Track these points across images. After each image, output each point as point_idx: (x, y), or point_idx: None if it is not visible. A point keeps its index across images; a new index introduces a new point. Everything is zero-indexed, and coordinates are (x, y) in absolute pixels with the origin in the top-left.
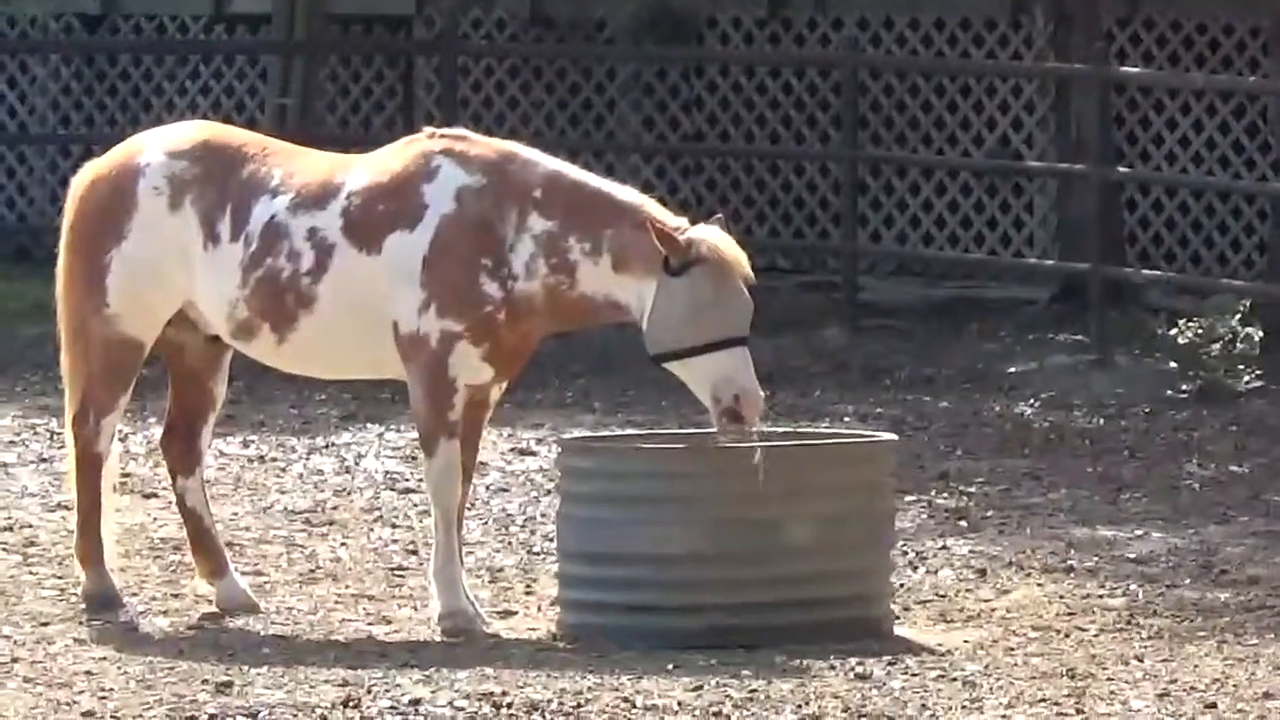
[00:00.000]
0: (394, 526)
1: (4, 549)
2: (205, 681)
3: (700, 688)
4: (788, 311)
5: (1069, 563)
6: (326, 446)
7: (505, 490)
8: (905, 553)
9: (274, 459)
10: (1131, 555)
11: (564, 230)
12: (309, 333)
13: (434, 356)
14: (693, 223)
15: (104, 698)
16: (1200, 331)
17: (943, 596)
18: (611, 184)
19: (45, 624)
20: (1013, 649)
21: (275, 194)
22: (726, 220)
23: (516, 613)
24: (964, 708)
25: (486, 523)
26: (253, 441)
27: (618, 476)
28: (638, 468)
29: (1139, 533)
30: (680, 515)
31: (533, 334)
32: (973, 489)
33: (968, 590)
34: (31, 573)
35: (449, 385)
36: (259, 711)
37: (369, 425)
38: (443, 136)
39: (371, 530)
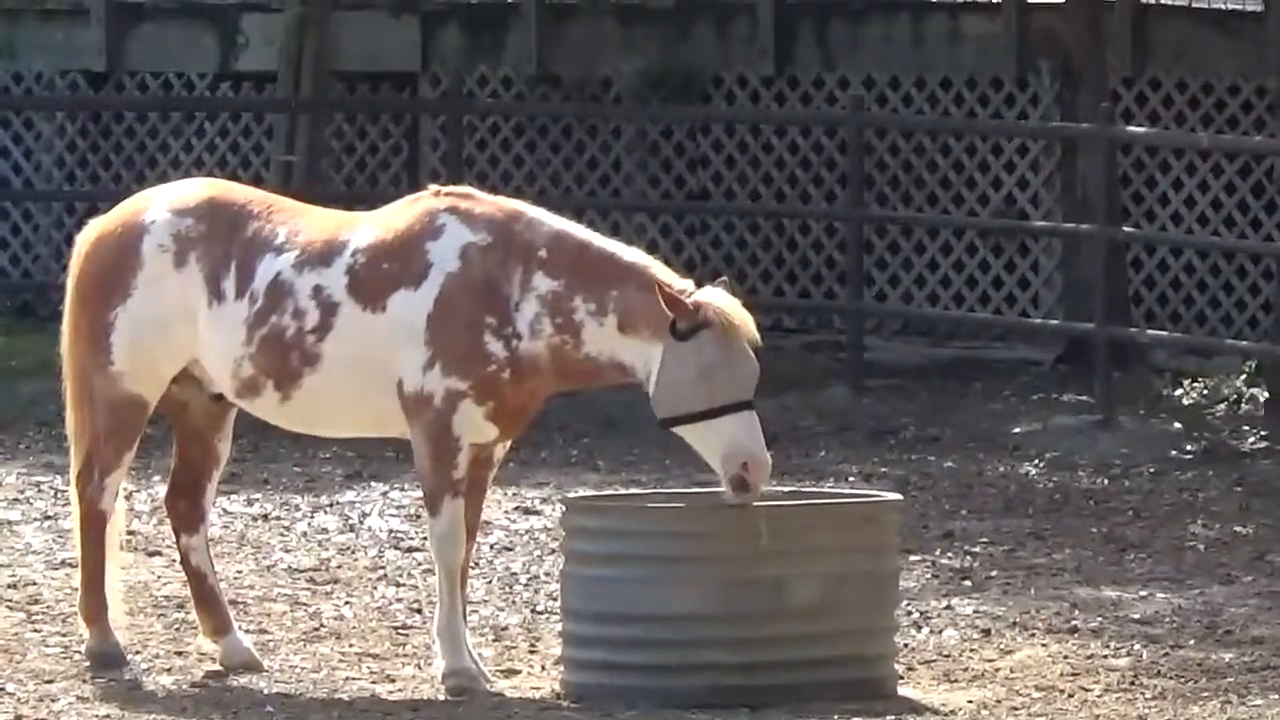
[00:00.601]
0: (398, 585)
1: (8, 606)
2: None
3: None
4: (793, 371)
5: (1073, 623)
6: (331, 505)
7: (509, 549)
8: (910, 612)
9: (278, 517)
10: (1136, 616)
11: (569, 290)
12: (313, 391)
13: (438, 415)
14: (698, 283)
15: None
16: (1205, 392)
17: (947, 656)
18: (617, 244)
19: (49, 682)
20: (1017, 709)
21: (280, 251)
22: (731, 282)
23: (520, 671)
24: None
25: (491, 581)
26: (257, 499)
27: (622, 536)
28: (643, 527)
29: (1143, 593)
30: (685, 575)
31: (537, 393)
32: (977, 549)
33: (972, 650)
34: (35, 630)
35: (453, 444)
36: None
37: (373, 483)
38: (448, 194)
39: (375, 589)
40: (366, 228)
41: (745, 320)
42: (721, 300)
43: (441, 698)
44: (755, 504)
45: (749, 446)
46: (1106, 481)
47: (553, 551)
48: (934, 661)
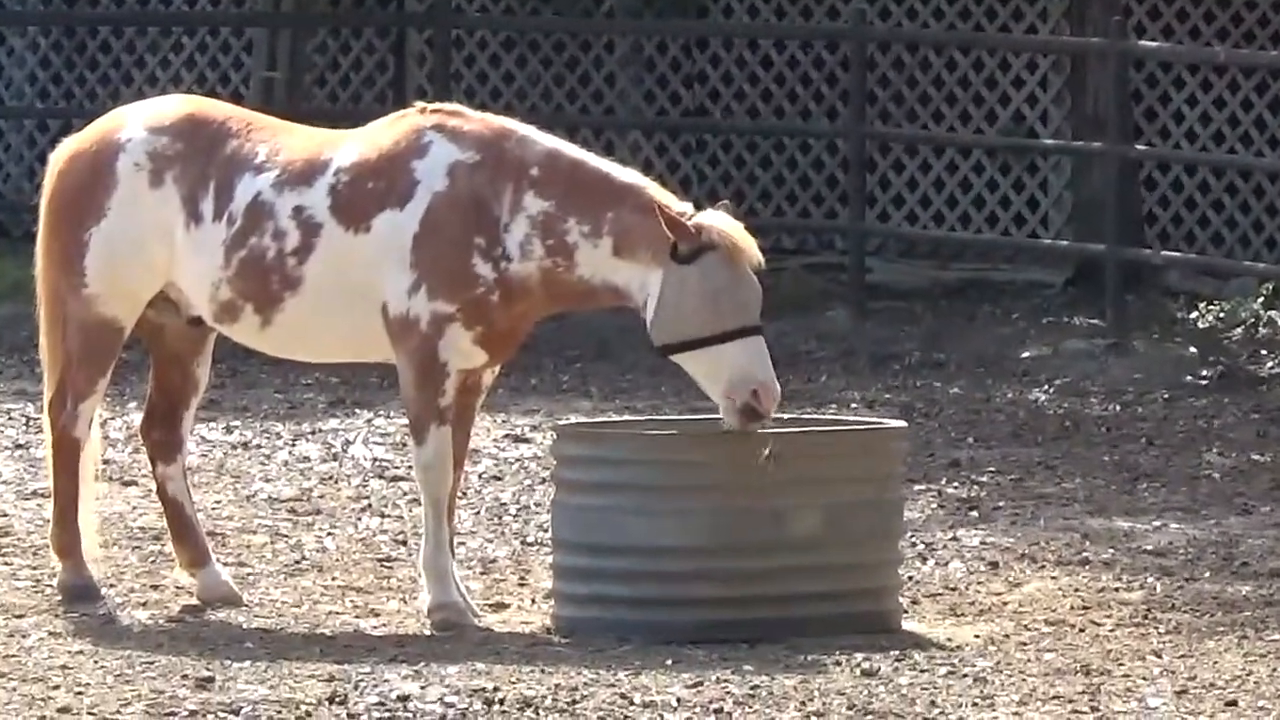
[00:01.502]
0: (382, 516)
1: None
2: (185, 676)
3: (700, 684)
4: (792, 294)
5: (1084, 555)
6: (313, 433)
7: (498, 479)
8: (914, 544)
9: (258, 445)
10: (1149, 547)
11: (562, 211)
12: (294, 315)
13: (424, 340)
14: (696, 205)
15: (80, 693)
16: (1221, 315)
17: (953, 590)
18: (612, 164)
19: (20, 616)
20: (1025, 644)
21: (260, 171)
22: (732, 205)
23: (509, 605)
24: (974, 705)
25: (479, 512)
26: (236, 427)
27: (615, 464)
28: (636, 455)
29: (1157, 524)
30: (680, 505)
31: (527, 317)
32: (984, 478)
33: (979, 583)
34: (6, 563)
35: (440, 369)
36: (241, 708)
37: (357, 411)
38: (435, 112)
39: (359, 520)
40: (350, 146)
41: (749, 243)
42: (724, 222)
43: (427, 633)
44: (756, 430)
45: (759, 373)
46: (1118, 408)
47: (543, 481)
48: (940, 595)
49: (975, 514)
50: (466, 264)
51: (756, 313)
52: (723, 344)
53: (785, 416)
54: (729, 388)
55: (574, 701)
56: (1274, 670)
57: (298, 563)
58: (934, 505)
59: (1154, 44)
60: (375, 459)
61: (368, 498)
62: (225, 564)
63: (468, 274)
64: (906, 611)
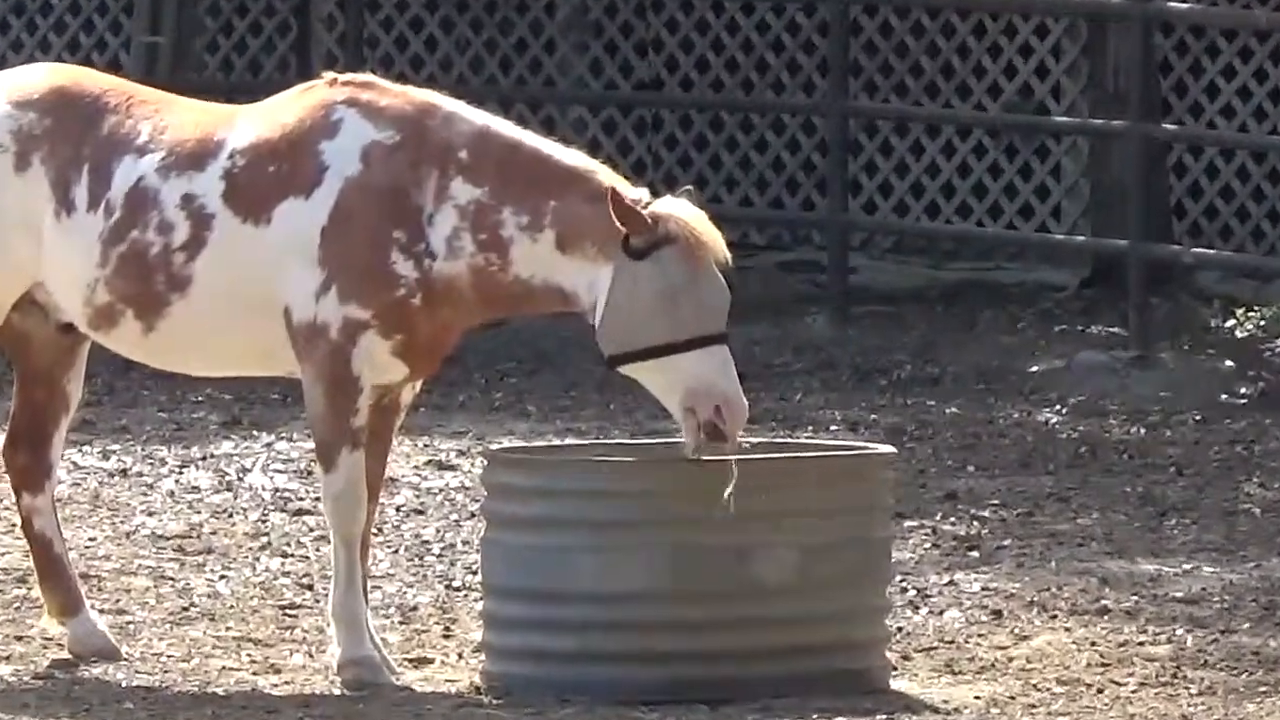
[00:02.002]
0: (285, 556)
1: None
2: None
3: None
4: (763, 297)
5: (1102, 602)
6: (204, 458)
7: (420, 512)
8: (905, 589)
9: (140, 473)
10: (1178, 594)
11: (496, 199)
12: (183, 320)
13: (334, 350)
14: (652, 191)
15: None
16: (1262, 323)
17: (949, 643)
18: (554, 144)
19: None
20: (1034, 707)
21: (143, 153)
22: (695, 193)
23: (433, 660)
24: None
25: (397, 551)
26: (114, 452)
27: (557, 496)
28: (580, 485)
29: (1187, 567)
30: (632, 543)
31: (454, 324)
32: (986, 513)
33: (980, 635)
34: None
35: (352, 385)
36: None
37: (255, 433)
38: (346, 84)
39: (257, 560)
40: (247, 124)
41: (714, 236)
42: (685, 212)
43: (337, 692)
44: (718, 457)
45: (723, 387)
46: (1143, 431)
47: (472, 515)
48: (934, 649)
49: (975, 554)
50: (384, 261)
51: (721, 318)
52: (681, 354)
53: (754, 440)
54: (686, 403)
55: None
56: None
57: (186, 610)
58: (928, 544)
59: (1184, 5)
60: (276, 489)
61: (267, 534)
62: (101, 611)
63: (385, 273)
64: (895, 668)
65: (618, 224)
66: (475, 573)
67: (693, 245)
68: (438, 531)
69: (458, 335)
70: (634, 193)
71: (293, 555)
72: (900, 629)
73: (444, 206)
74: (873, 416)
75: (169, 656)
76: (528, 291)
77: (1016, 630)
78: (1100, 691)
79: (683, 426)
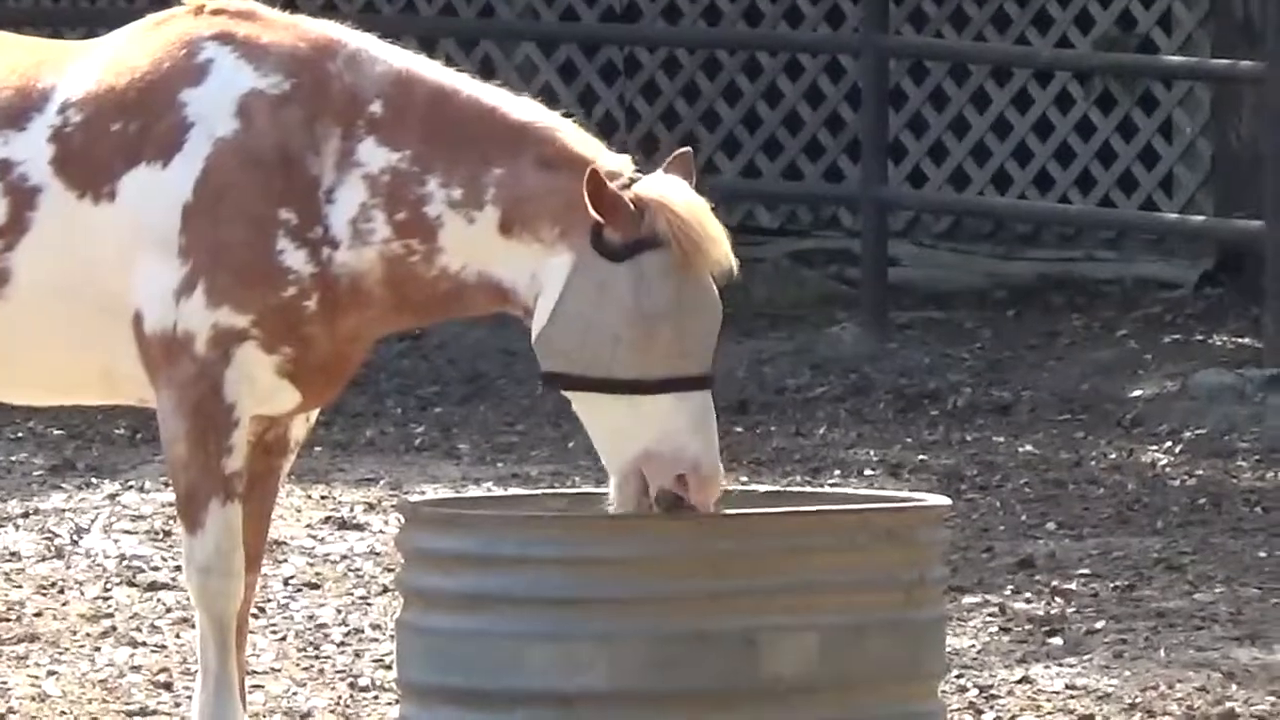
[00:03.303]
0: (134, 645)
1: None
2: None
3: None
4: (775, 298)
5: (1228, 704)
6: (26, 515)
7: (315, 586)
8: (964, 688)
9: None
10: None
11: (419, 166)
12: None
13: (202, 369)
14: (633, 156)
15: None
16: None
17: None
18: (498, 92)
19: None
20: None
21: None
22: (691, 156)
23: None
24: None
25: (284, 639)
26: None
27: (497, 565)
28: (530, 551)
29: None
30: (602, 629)
31: (361, 334)
32: (1073, 585)
33: None
34: None
35: (225, 416)
36: None
37: (94, 481)
38: (218, 12)
39: (98, 650)
40: (85, 67)
41: (716, 238)
42: (681, 200)
43: None
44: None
45: (694, 450)
46: None
47: (385, 590)
48: None
49: (1058, 641)
50: (267, 251)
51: (708, 355)
52: (648, 396)
53: (762, 489)
54: (641, 461)
55: None
56: None
57: (1, 717)
58: (994, 628)
59: None
60: (122, 556)
61: (110, 616)
62: None
63: (269, 267)
64: None
65: (593, 212)
66: (388, 667)
67: (688, 253)
68: (338, 612)
69: (365, 349)
70: (613, 161)
71: (145, 644)
72: None
73: (348, 177)
74: (920, 457)
75: None
76: (457, 289)
77: None
78: None
79: (614, 485)
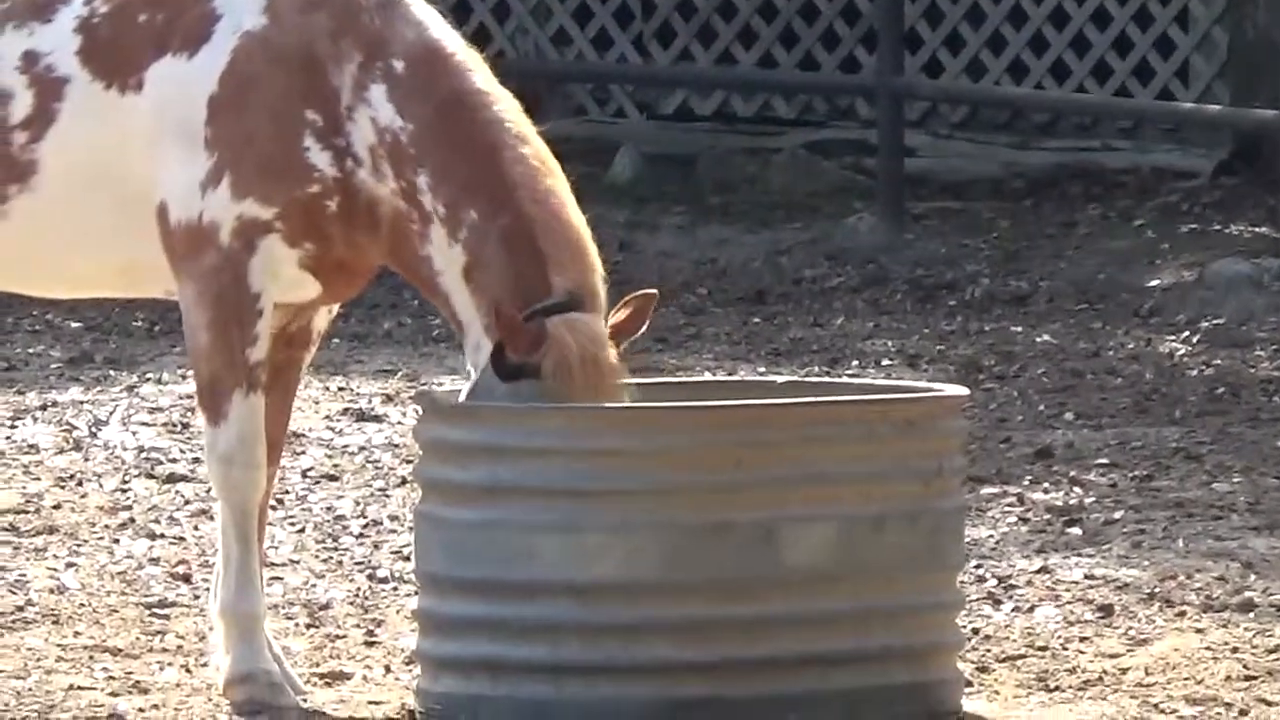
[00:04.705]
0: (152, 537)
1: None
2: None
3: None
4: (791, 189)
5: (1247, 594)
6: (44, 407)
7: (333, 478)
8: (982, 578)
9: None
10: None
11: (415, 151)
12: (23, 222)
13: (225, 259)
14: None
15: None
16: None
17: (1043, 650)
18: (509, 127)
19: None
20: None
21: None
22: (651, 303)
23: (351, 675)
24: None
25: (303, 530)
26: None
27: (513, 455)
28: (546, 441)
29: None
30: (617, 519)
31: (371, 254)
32: (1091, 475)
33: (1083, 640)
34: None
35: (249, 305)
36: None
37: (112, 373)
38: None
39: (116, 543)
40: None
41: (598, 388)
42: (577, 345)
43: (224, 718)
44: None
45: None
46: None
47: (403, 482)
48: (1022, 657)
49: (1077, 531)
50: (294, 146)
51: None
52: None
53: (780, 379)
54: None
55: None
56: None
57: (20, 610)
58: (1012, 518)
59: None
60: (141, 448)
61: (129, 508)
62: None
63: (295, 162)
64: (970, 684)
65: (496, 333)
66: (407, 559)
67: (561, 394)
68: (356, 504)
69: (373, 271)
70: (543, 293)
71: (164, 536)
72: (977, 631)
73: (360, 108)
74: (938, 347)
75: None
76: (432, 283)
77: (1132, 632)
78: (1243, 714)
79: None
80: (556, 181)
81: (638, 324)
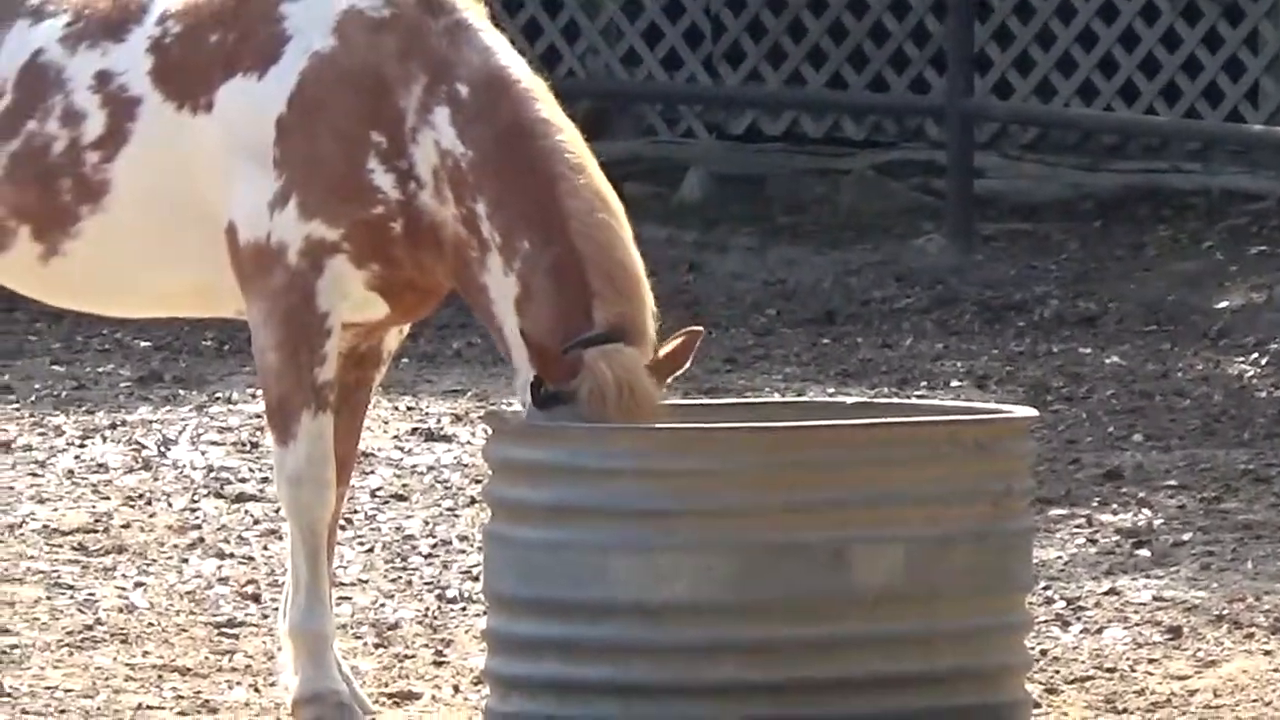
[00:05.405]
0: (221, 557)
1: None
2: None
3: None
4: (861, 210)
5: None
6: (113, 427)
7: (402, 498)
8: (1050, 600)
9: (28, 447)
10: None
11: (474, 178)
12: (95, 242)
13: (293, 280)
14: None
15: None
16: None
17: (1111, 671)
18: (569, 154)
19: None
20: None
21: (40, 17)
22: (696, 341)
23: (420, 695)
24: None
25: (372, 550)
26: None
27: (584, 476)
28: (618, 462)
29: None
30: (689, 539)
31: (436, 273)
32: (1159, 497)
33: (1151, 661)
34: None
35: (316, 326)
36: None
37: (181, 392)
38: None
39: (186, 562)
40: None
41: (637, 412)
42: (614, 379)
43: None
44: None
45: None
46: None
47: (472, 501)
48: (1090, 679)
49: (1145, 553)
50: (359, 168)
51: None
52: None
53: (849, 400)
54: None
55: None
56: None
57: (89, 629)
58: (1081, 540)
59: None
60: (210, 467)
61: (199, 527)
62: None
63: (359, 184)
64: (1039, 705)
65: (533, 366)
66: (476, 579)
67: (598, 417)
68: (425, 524)
69: (442, 294)
70: (594, 322)
71: (232, 556)
72: (1045, 652)
73: (424, 130)
74: (1007, 369)
75: (67, 691)
76: (489, 314)
77: (1200, 654)
78: None
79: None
80: (611, 215)
81: (682, 360)
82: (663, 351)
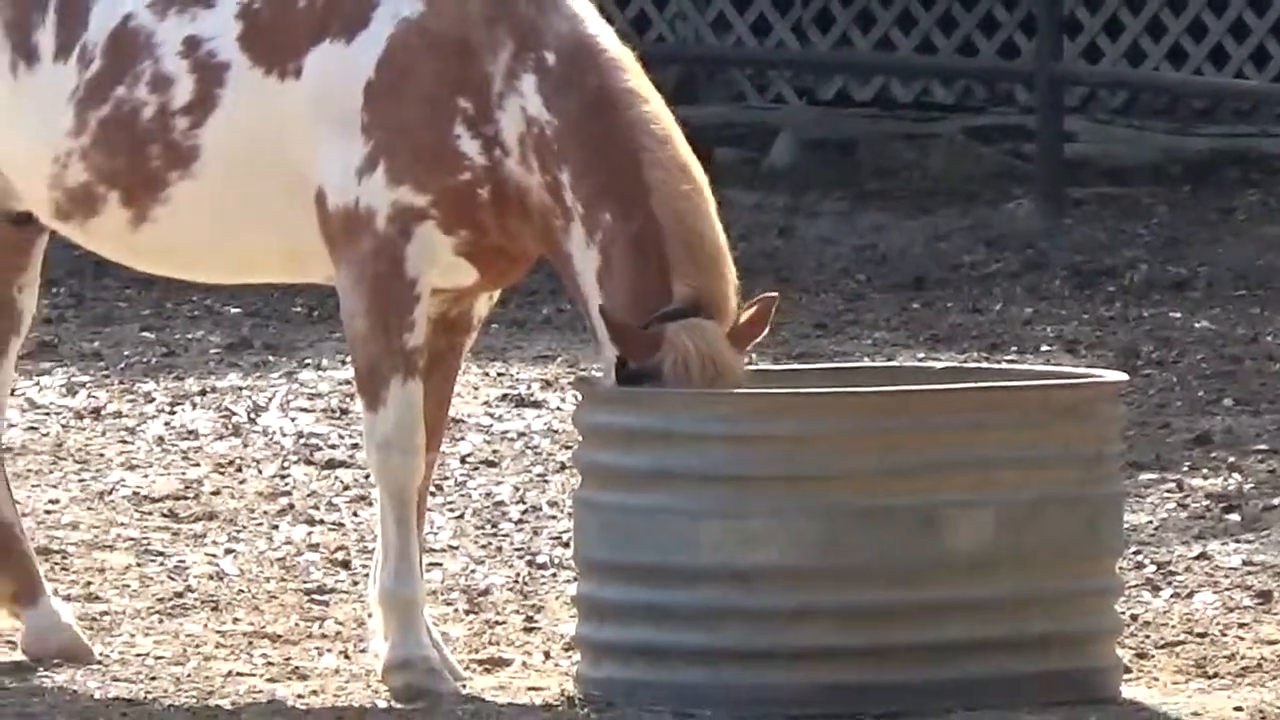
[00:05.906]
0: (311, 523)
1: None
2: None
3: None
4: (950, 175)
5: None
6: (203, 393)
7: (493, 464)
8: (1141, 564)
9: (117, 413)
10: None
11: (559, 146)
12: (186, 208)
13: (382, 245)
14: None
15: None
16: None
17: (1202, 636)
18: (655, 126)
19: None
20: None
21: None
22: (771, 307)
23: (511, 661)
24: None
25: (462, 517)
26: (83, 385)
27: (674, 441)
28: (707, 427)
29: None
30: (779, 505)
31: (524, 242)
32: (1250, 461)
33: (1241, 626)
34: None
35: (406, 290)
36: None
37: (271, 359)
38: None
39: (275, 529)
40: None
41: (721, 384)
42: (696, 350)
43: (382, 704)
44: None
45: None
46: None
47: (562, 468)
48: (1181, 644)
49: (1235, 518)
50: (446, 134)
51: None
52: None
53: (939, 365)
54: None
55: None
56: None
57: (179, 596)
58: (1171, 504)
59: None
60: (300, 434)
61: (289, 494)
62: (66, 599)
63: (446, 150)
64: (1129, 670)
65: (615, 345)
66: (566, 545)
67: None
68: (515, 489)
69: (530, 262)
70: (642, 306)
71: (323, 522)
72: (1135, 617)
73: (511, 96)
74: (1097, 333)
75: (157, 658)
76: (574, 283)
77: None
78: None
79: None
80: (693, 187)
81: (760, 327)
82: (739, 321)
